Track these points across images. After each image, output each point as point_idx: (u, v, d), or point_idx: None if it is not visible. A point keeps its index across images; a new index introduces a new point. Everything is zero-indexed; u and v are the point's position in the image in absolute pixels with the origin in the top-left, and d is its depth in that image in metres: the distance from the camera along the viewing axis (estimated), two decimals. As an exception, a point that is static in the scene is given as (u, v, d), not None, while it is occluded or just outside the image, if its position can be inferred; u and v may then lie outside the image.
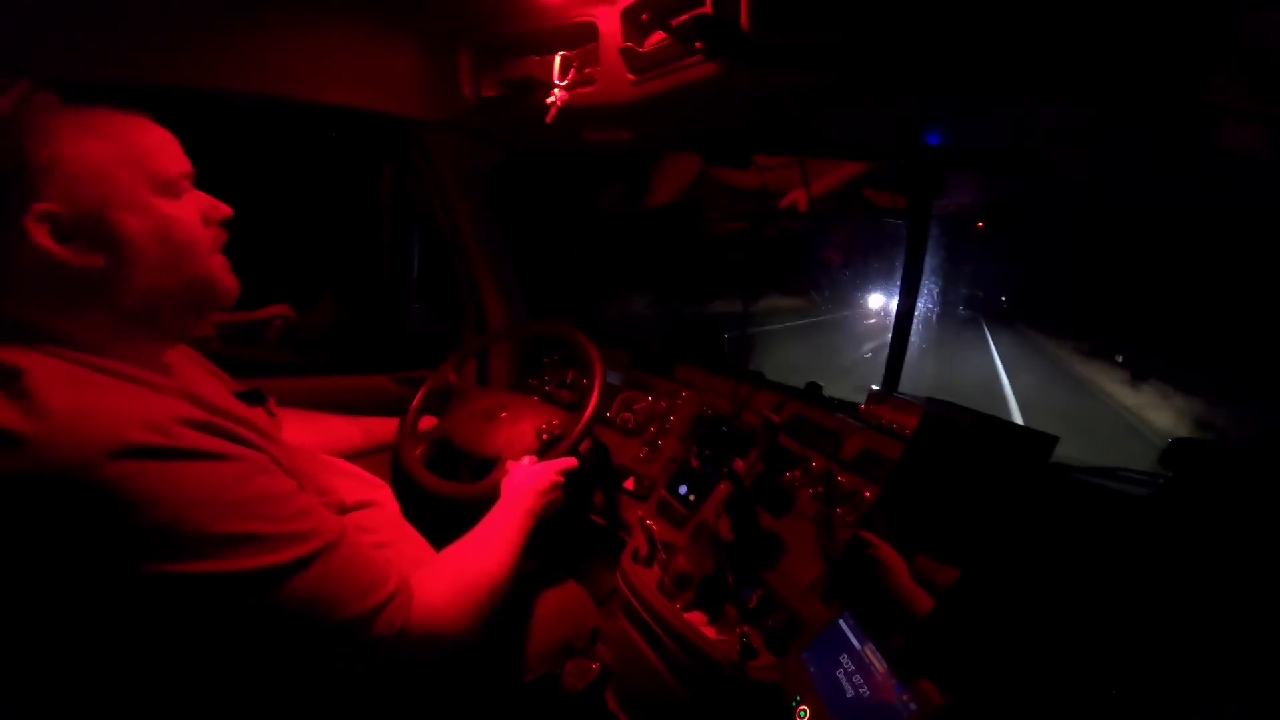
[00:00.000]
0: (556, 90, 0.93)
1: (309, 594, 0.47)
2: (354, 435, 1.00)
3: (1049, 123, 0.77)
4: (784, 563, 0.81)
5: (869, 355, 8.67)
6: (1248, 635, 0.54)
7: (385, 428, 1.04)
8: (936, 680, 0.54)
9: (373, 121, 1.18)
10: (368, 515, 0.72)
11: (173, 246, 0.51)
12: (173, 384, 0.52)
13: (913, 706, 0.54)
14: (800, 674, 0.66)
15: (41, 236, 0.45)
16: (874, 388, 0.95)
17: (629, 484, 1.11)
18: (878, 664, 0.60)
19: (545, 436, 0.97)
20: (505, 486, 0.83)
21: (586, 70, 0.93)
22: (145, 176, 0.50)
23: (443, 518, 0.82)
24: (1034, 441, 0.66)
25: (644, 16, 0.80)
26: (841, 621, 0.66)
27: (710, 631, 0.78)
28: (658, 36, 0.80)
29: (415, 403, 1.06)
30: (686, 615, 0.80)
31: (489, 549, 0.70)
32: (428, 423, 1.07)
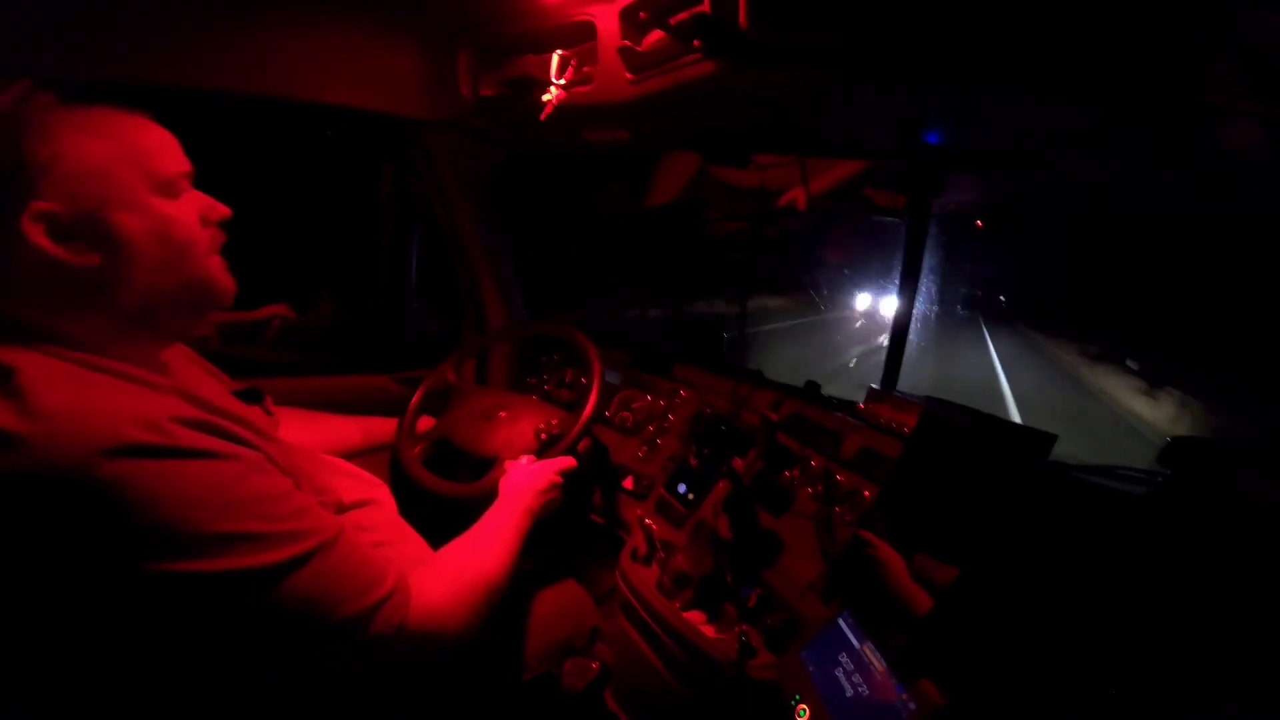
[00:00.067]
0: (553, 88, 0.93)
1: (306, 593, 0.47)
2: (353, 435, 1.00)
3: (1049, 123, 0.77)
4: (783, 561, 0.81)
5: (853, 364, 7.71)
6: (1247, 635, 0.54)
7: (384, 427, 1.04)
8: (936, 679, 0.54)
9: (373, 121, 1.18)
10: (366, 514, 0.72)
11: (171, 246, 0.51)
12: (170, 383, 0.52)
13: (912, 706, 0.54)
14: (799, 673, 0.66)
15: (39, 236, 0.45)
16: (873, 386, 0.95)
17: (628, 483, 1.11)
18: (877, 663, 0.60)
19: (544, 436, 0.97)
20: (503, 486, 0.83)
21: (585, 69, 0.93)
22: (144, 176, 0.50)
23: (441, 517, 0.82)
24: (1032, 440, 0.66)
25: (642, 15, 0.80)
26: (841, 620, 0.66)
27: (709, 630, 0.78)
28: (656, 35, 0.80)
29: (414, 402, 1.06)
30: (685, 614, 0.80)
31: (487, 548, 0.69)
32: (426, 422, 1.07)
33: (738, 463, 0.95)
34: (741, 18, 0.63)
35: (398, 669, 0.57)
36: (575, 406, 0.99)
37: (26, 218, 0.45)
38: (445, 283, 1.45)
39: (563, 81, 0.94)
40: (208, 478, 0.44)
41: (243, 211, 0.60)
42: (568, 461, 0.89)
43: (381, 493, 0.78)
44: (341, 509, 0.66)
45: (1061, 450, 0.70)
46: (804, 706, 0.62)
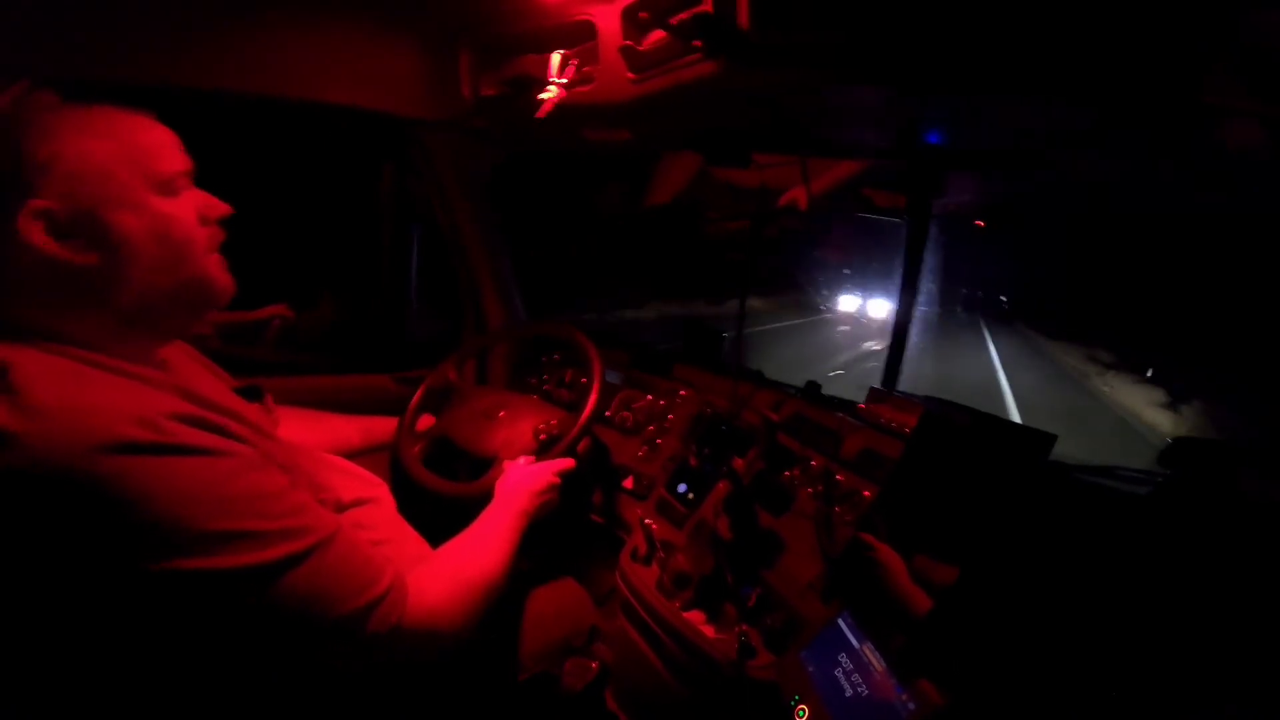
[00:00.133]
0: (554, 88, 0.93)
1: (302, 590, 0.47)
2: (352, 434, 1.00)
3: (1049, 123, 0.77)
4: (783, 561, 0.81)
5: (831, 375, 6.60)
6: (1247, 635, 0.54)
7: (384, 427, 1.04)
8: (935, 679, 0.54)
9: (373, 121, 1.18)
10: (365, 512, 0.72)
11: (169, 245, 0.51)
12: (168, 379, 0.52)
13: (911, 706, 0.54)
14: (799, 673, 0.65)
15: (37, 234, 0.45)
16: (874, 386, 0.95)
17: (628, 483, 1.11)
18: (876, 663, 0.60)
19: (543, 436, 0.97)
20: (499, 487, 0.83)
21: (585, 69, 0.93)
22: (143, 175, 0.50)
23: (441, 516, 0.82)
24: (1033, 440, 0.66)
25: (643, 15, 0.80)
26: (840, 620, 0.66)
27: (709, 630, 0.78)
28: (657, 35, 0.80)
29: (414, 401, 1.06)
30: (685, 614, 0.80)
31: (483, 548, 0.70)
32: (427, 421, 1.07)
33: (738, 463, 0.95)
34: (743, 17, 0.63)
35: (397, 669, 0.57)
36: (575, 407, 0.99)
37: (25, 216, 0.45)
38: (445, 283, 1.45)
39: (563, 81, 0.94)
40: (204, 475, 0.44)
41: (243, 211, 0.60)
42: (566, 463, 0.89)
43: (381, 491, 0.78)
44: (341, 507, 0.66)
45: (1063, 452, 0.70)
46: (803, 707, 0.62)
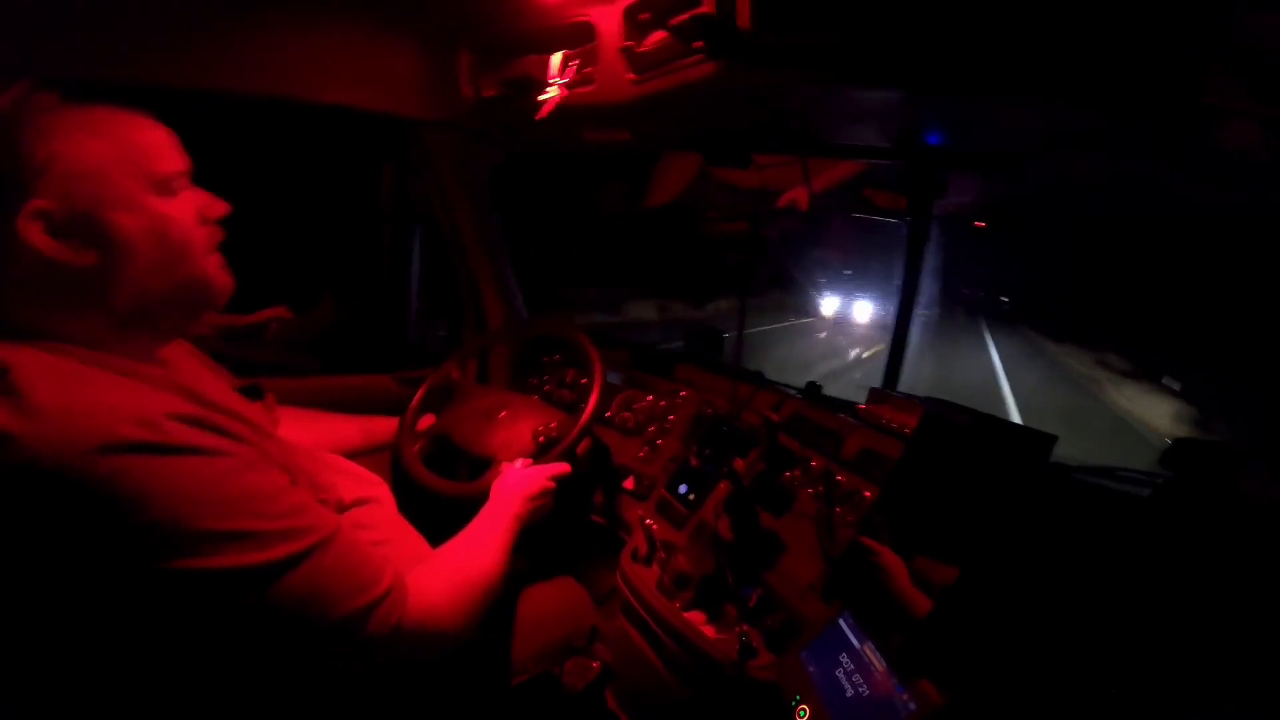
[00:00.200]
0: (552, 87, 0.93)
1: (301, 590, 0.47)
2: (353, 434, 1.00)
3: (1049, 124, 0.77)
4: (783, 562, 0.81)
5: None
6: (1247, 635, 0.54)
7: (384, 427, 1.04)
8: (935, 679, 0.54)
9: (373, 121, 1.18)
10: (366, 512, 0.72)
11: (167, 246, 0.51)
12: (168, 378, 0.52)
13: (912, 706, 0.54)
14: (799, 673, 0.66)
15: (35, 234, 0.45)
16: (874, 387, 0.95)
17: (629, 483, 1.11)
18: (877, 663, 0.60)
19: (541, 439, 0.97)
20: (495, 489, 0.83)
21: (586, 70, 0.93)
22: (141, 175, 0.50)
23: (441, 516, 0.82)
24: (1033, 441, 0.66)
25: (643, 16, 0.80)
26: (841, 621, 0.66)
27: (710, 631, 0.78)
28: (657, 36, 0.80)
29: (416, 399, 1.06)
30: (686, 614, 0.80)
31: (478, 550, 0.70)
32: (429, 420, 1.07)
33: (739, 463, 0.95)
34: (743, 19, 0.64)
35: (398, 669, 0.57)
36: (576, 408, 0.99)
37: (23, 216, 0.45)
38: (444, 283, 1.45)
39: (564, 82, 0.94)
40: (204, 475, 0.44)
41: (243, 212, 0.60)
42: (561, 468, 0.89)
43: (381, 491, 0.78)
44: (341, 507, 0.66)
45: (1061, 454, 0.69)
46: (804, 707, 0.62)
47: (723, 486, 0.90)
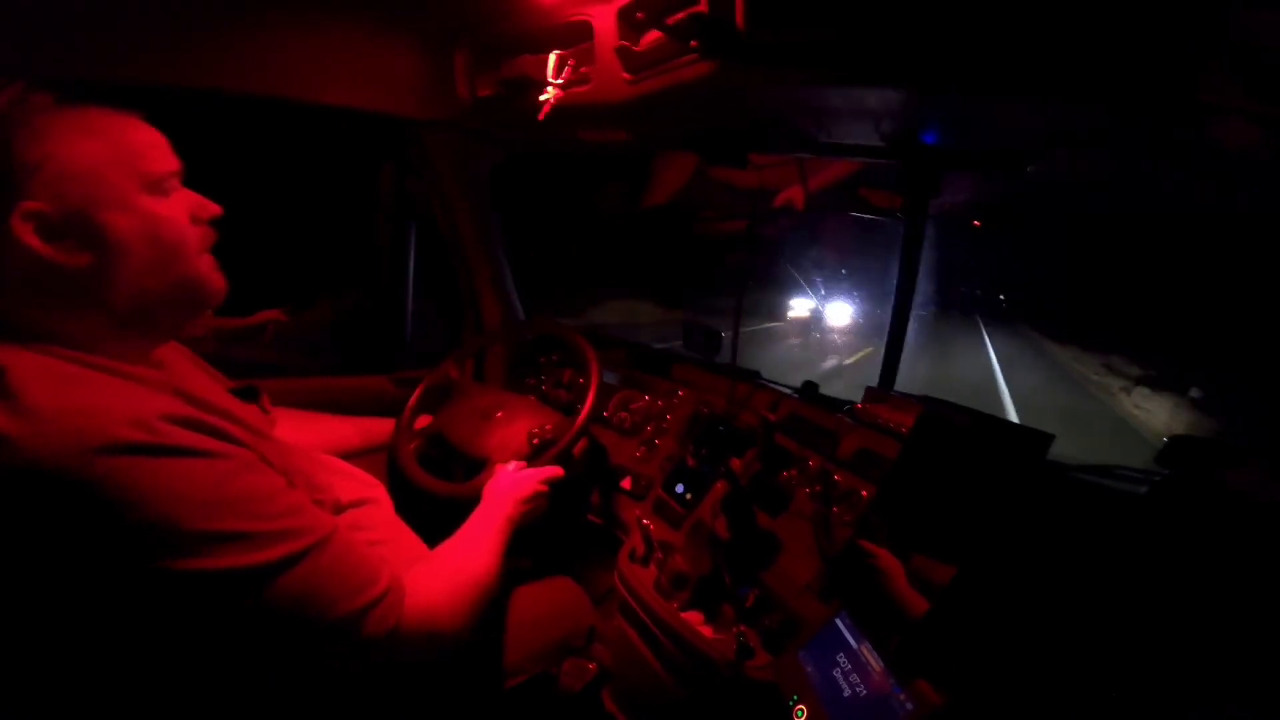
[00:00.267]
0: (551, 88, 0.93)
1: (298, 591, 0.47)
2: (350, 435, 1.00)
3: (1046, 122, 0.77)
4: (781, 562, 0.81)
5: None
6: (1247, 635, 0.54)
7: (382, 428, 1.04)
8: (933, 679, 0.54)
9: (372, 121, 1.18)
10: (363, 513, 0.72)
11: (161, 246, 0.51)
12: (163, 380, 0.52)
13: (909, 705, 0.54)
14: (797, 673, 0.65)
15: (29, 235, 0.45)
16: (870, 386, 0.95)
17: (626, 483, 1.11)
18: (874, 663, 0.60)
19: (536, 441, 0.97)
20: (487, 491, 0.83)
21: (582, 69, 0.93)
22: (134, 176, 0.50)
23: (438, 517, 0.82)
24: (1030, 440, 0.66)
25: (639, 15, 0.80)
26: (838, 620, 0.66)
27: (707, 631, 0.78)
28: (653, 35, 0.80)
29: (414, 398, 1.06)
30: (683, 614, 0.80)
31: (471, 552, 0.70)
32: (426, 420, 1.07)
33: (735, 463, 0.95)
34: (738, 18, 0.64)
35: (394, 670, 0.57)
36: (572, 408, 0.99)
37: (16, 217, 0.45)
38: (440, 284, 1.45)
39: (560, 82, 0.94)
40: (199, 476, 0.44)
41: (243, 212, 0.60)
42: (554, 471, 0.89)
43: (379, 492, 0.78)
44: (339, 508, 0.66)
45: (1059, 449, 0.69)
46: (802, 707, 0.62)
47: (720, 486, 0.90)
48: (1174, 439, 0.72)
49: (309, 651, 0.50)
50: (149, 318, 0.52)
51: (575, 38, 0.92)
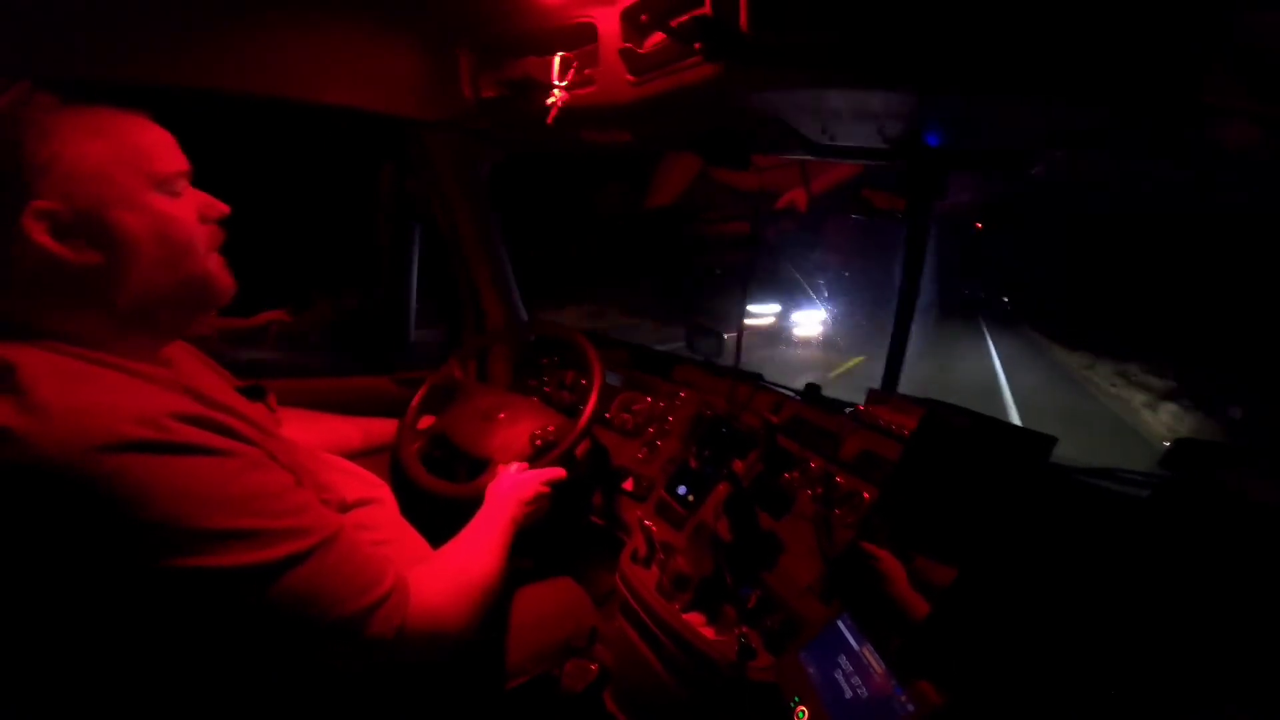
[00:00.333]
0: (556, 91, 0.93)
1: (304, 590, 0.47)
2: (353, 436, 1.00)
3: (1049, 123, 0.77)
4: (782, 563, 0.81)
5: None
6: (1247, 635, 0.54)
7: (384, 429, 1.04)
8: (934, 680, 0.54)
9: (373, 121, 1.18)
10: (368, 513, 0.72)
11: (170, 245, 0.51)
12: (171, 377, 0.52)
13: (910, 707, 0.54)
14: (798, 674, 0.65)
15: (39, 234, 0.45)
16: (872, 388, 0.95)
17: (628, 485, 1.11)
18: (876, 664, 0.60)
19: (539, 442, 0.97)
20: (489, 492, 0.83)
21: (586, 71, 0.93)
22: (143, 175, 0.50)
23: (441, 517, 0.82)
24: (1033, 442, 0.66)
25: (643, 17, 0.80)
26: (840, 622, 0.66)
27: (709, 632, 0.78)
28: (657, 37, 0.80)
29: (417, 398, 1.06)
30: (685, 616, 0.80)
31: (474, 553, 0.70)
32: (429, 420, 1.07)
33: (738, 465, 0.95)
34: (742, 20, 0.64)
35: (396, 670, 0.57)
36: (575, 410, 0.99)
37: (28, 216, 0.45)
38: (441, 284, 1.45)
39: (564, 83, 0.94)
40: (206, 474, 0.44)
41: (244, 212, 0.60)
42: (556, 472, 0.89)
43: (383, 492, 0.78)
44: (344, 507, 0.66)
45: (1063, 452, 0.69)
46: (803, 708, 0.62)
47: (722, 488, 0.90)
48: (1178, 442, 0.72)
49: (312, 651, 0.50)
50: (157, 316, 0.52)
51: (579, 39, 0.91)
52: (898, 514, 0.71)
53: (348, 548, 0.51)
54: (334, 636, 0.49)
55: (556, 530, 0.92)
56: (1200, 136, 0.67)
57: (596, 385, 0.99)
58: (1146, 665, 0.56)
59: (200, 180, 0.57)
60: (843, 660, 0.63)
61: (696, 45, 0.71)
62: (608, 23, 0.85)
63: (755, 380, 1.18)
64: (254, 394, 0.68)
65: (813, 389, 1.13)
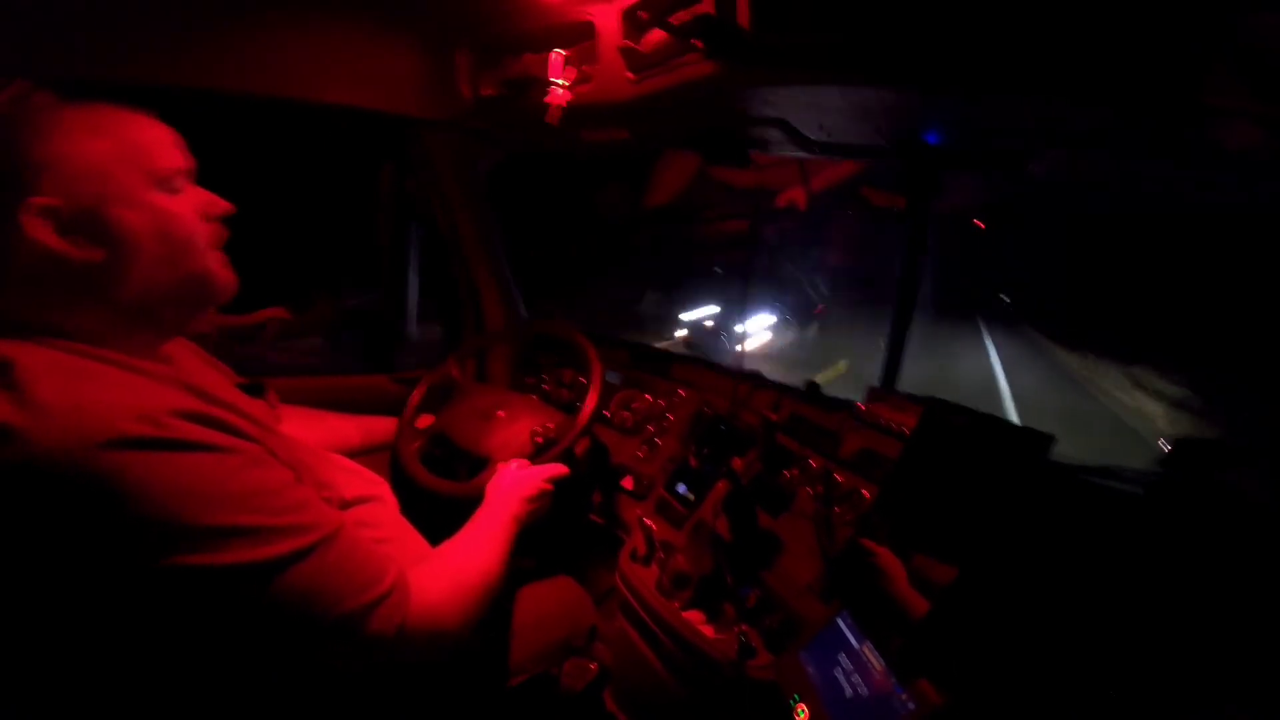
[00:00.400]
0: (555, 89, 0.93)
1: (304, 587, 0.47)
2: (352, 434, 1.00)
3: (1049, 123, 0.77)
4: (782, 562, 0.81)
5: None
6: (1247, 635, 0.54)
7: (383, 427, 1.04)
8: (934, 679, 0.54)
9: (372, 121, 1.18)
10: (368, 511, 0.72)
11: (171, 242, 0.51)
12: (171, 374, 0.52)
13: (910, 705, 0.54)
14: (798, 673, 0.65)
15: (40, 230, 0.45)
16: (873, 386, 0.95)
17: (627, 483, 1.11)
18: (875, 663, 0.60)
19: (539, 440, 0.97)
20: (490, 489, 0.83)
21: (585, 69, 0.93)
22: (144, 172, 0.50)
23: (441, 515, 0.82)
24: (1032, 440, 0.66)
25: (643, 15, 0.80)
26: (839, 620, 0.66)
27: (708, 630, 0.78)
28: (656, 35, 0.80)
29: (415, 397, 1.06)
30: (685, 614, 0.80)
31: (475, 551, 0.70)
32: (428, 419, 1.07)
33: (737, 463, 0.95)
34: (743, 18, 0.63)
35: (396, 669, 0.57)
36: (574, 408, 0.99)
37: (29, 213, 0.45)
38: (441, 284, 1.45)
39: (563, 81, 0.94)
40: (207, 470, 0.44)
41: (243, 211, 0.60)
42: (558, 469, 0.88)
43: (383, 490, 0.78)
44: (344, 505, 0.66)
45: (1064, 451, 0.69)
46: (803, 706, 0.62)
47: (721, 486, 0.90)
48: (1178, 441, 0.72)
49: (313, 649, 0.50)
50: (158, 312, 0.53)
51: (578, 37, 0.91)
52: (897, 512, 0.71)
53: (349, 545, 0.51)
54: (334, 634, 0.49)
55: (556, 529, 0.92)
56: (1201, 137, 0.67)
57: (596, 382, 0.99)
58: (1146, 665, 0.56)
59: (201, 179, 0.57)
60: (842, 659, 0.63)
61: (696, 43, 0.71)
62: (607, 20, 0.85)
63: (754, 378, 1.18)
64: (254, 391, 0.69)
65: (813, 387, 1.13)
